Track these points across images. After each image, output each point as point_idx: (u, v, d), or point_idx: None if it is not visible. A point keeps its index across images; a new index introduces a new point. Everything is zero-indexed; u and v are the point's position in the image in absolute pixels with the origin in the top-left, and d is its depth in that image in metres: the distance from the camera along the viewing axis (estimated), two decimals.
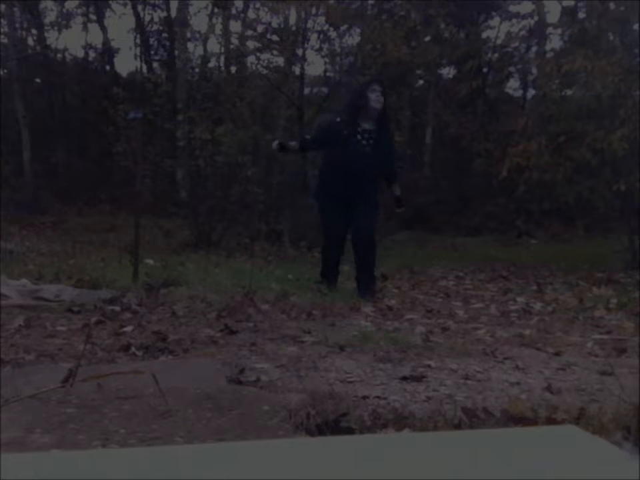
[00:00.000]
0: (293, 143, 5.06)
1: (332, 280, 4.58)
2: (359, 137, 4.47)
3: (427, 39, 11.69)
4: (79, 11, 17.06)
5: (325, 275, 4.68)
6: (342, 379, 2.10)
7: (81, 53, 17.47)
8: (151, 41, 15.96)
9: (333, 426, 1.47)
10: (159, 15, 15.92)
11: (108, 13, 16.85)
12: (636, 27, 7.55)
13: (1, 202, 9.96)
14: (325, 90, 13.38)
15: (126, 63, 35.05)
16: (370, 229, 4.56)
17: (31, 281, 4.15)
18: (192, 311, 3.37)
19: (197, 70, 14.29)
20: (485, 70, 14.07)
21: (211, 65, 15.44)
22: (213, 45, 24.89)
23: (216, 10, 14.19)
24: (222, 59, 15.08)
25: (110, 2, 16.57)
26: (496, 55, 14.56)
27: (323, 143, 4.74)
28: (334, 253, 4.65)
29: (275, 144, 4.98)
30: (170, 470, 0.84)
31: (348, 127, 4.49)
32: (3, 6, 14.01)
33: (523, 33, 14.86)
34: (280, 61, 11.33)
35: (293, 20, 11.40)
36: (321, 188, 4.78)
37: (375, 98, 4.46)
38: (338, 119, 4.71)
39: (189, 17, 14.52)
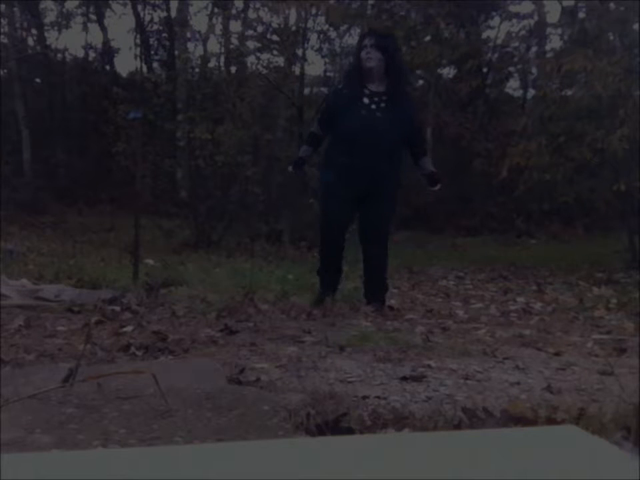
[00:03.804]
0: (303, 148, 4.15)
1: (332, 287, 3.87)
2: (365, 100, 3.73)
3: (427, 38, 11.67)
4: (79, 10, 17.07)
5: (325, 284, 3.90)
6: (342, 379, 2.09)
7: (81, 53, 17.48)
8: (151, 41, 15.95)
9: (333, 426, 1.47)
10: (159, 14, 15.90)
11: (108, 13, 16.87)
12: (636, 27, 7.56)
13: (1, 202, 9.96)
14: (324, 90, 13.38)
15: (126, 63, 35.11)
16: (385, 226, 3.90)
17: (31, 280, 4.16)
18: (192, 311, 3.37)
19: (197, 70, 14.28)
20: (485, 70, 14.06)
21: (211, 65, 15.40)
22: (213, 45, 24.92)
23: (216, 10, 14.21)
24: (222, 58, 15.08)
25: (110, 2, 16.58)
26: (496, 55, 14.54)
27: (330, 118, 3.87)
28: (333, 252, 3.87)
29: (290, 169, 4.15)
30: (170, 470, 0.84)
31: (351, 91, 3.78)
32: (3, 6, 14.01)
33: (523, 33, 14.83)
34: (280, 60, 11.35)
35: (293, 20, 11.42)
36: (327, 165, 3.94)
37: (365, 55, 3.71)
38: (340, 86, 4.10)
39: (188, 17, 14.54)
